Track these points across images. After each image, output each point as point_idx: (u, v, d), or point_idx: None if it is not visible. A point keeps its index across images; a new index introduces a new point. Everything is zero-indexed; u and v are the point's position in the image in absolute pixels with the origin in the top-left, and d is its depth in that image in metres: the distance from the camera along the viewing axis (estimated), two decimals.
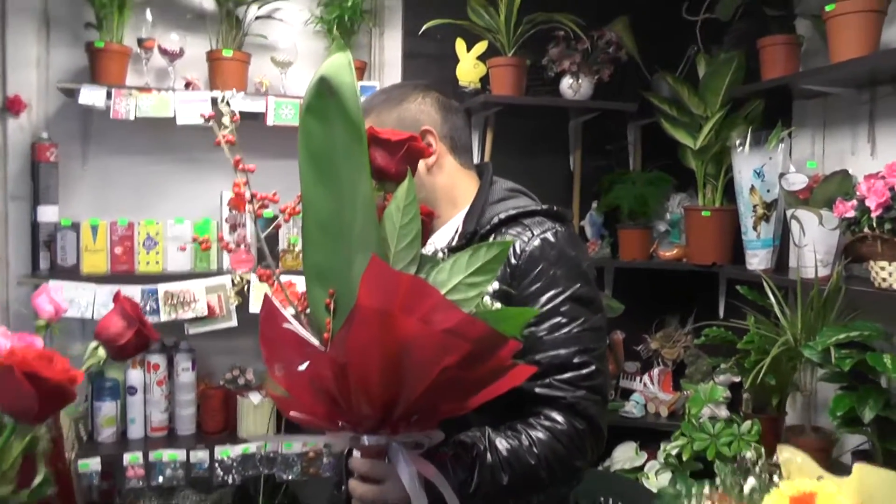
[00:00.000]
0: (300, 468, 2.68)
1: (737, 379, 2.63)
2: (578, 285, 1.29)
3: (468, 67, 2.85)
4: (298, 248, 2.61)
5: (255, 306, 2.50)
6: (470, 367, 0.99)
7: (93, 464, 2.46)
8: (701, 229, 2.76)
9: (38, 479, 1.00)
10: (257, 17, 2.73)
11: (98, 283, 2.47)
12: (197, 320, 2.55)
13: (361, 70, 2.80)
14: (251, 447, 2.62)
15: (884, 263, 1.96)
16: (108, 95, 2.48)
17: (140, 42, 2.59)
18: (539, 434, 1.21)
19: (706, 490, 1.30)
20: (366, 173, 1.03)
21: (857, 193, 1.99)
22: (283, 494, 2.73)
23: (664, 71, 2.87)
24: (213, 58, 2.65)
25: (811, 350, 2.01)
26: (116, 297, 1.17)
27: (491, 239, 1.33)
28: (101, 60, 2.52)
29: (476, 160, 2.91)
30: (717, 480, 1.35)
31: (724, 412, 2.63)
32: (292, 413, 1.08)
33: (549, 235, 1.31)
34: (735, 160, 2.55)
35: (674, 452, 2.44)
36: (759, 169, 2.45)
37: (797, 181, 2.27)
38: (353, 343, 0.97)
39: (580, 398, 1.24)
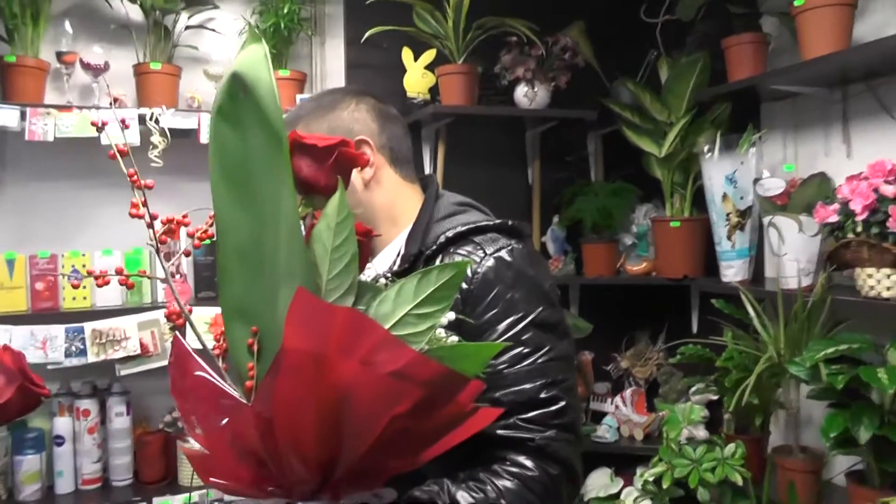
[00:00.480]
0: None
1: (714, 397, 2.51)
2: (541, 308, 1.14)
3: (416, 77, 2.72)
4: None
5: (193, 340, 2.28)
6: (423, 415, 0.84)
7: None
8: (670, 241, 2.65)
9: None
10: (188, 27, 2.56)
11: (15, 325, 2.24)
12: (129, 359, 2.33)
13: (301, 82, 2.63)
14: (195, 496, 2.41)
15: (871, 270, 1.84)
16: (23, 116, 2.26)
17: (59, 56, 2.40)
18: (507, 483, 1.06)
19: None
20: (289, 187, 0.86)
21: (839, 196, 1.88)
22: None
23: (624, 77, 2.77)
24: (140, 72, 2.47)
25: (798, 367, 1.90)
26: None
27: (438, 261, 1.18)
28: (12, 76, 2.31)
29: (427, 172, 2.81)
30: None
31: (702, 432, 2.50)
32: (212, 479, 0.91)
33: (503, 254, 1.17)
34: (704, 167, 2.44)
35: (651, 479, 2.30)
36: (730, 175, 2.34)
37: (773, 186, 2.17)
38: (280, 394, 0.81)
39: (550, 439, 1.09)
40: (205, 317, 2.05)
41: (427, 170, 2.76)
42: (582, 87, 2.80)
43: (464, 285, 1.13)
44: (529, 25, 2.61)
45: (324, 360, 0.78)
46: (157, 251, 0.88)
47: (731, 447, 2.17)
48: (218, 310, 0.92)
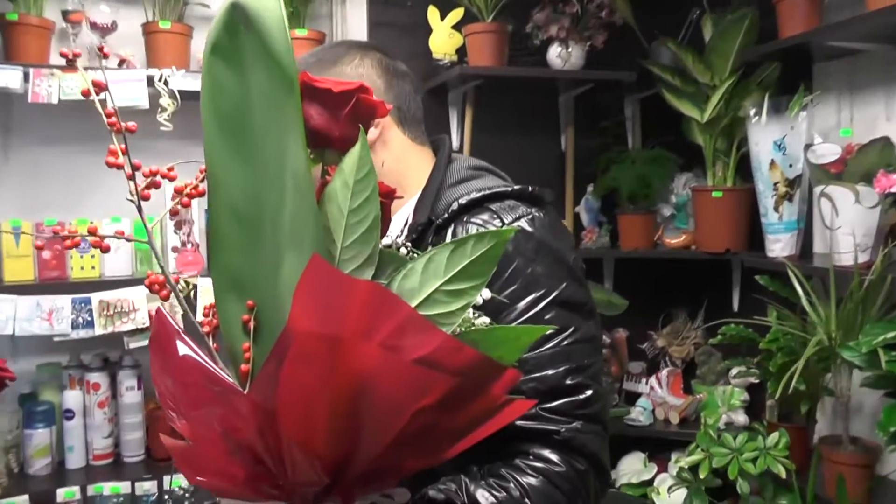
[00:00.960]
0: None
1: (755, 380, 2.38)
2: (565, 285, 1.05)
3: (443, 37, 2.62)
4: None
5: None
6: (452, 408, 0.72)
7: (20, 502, 2.13)
8: (711, 212, 2.51)
9: None
10: None
11: (21, 294, 2.16)
12: (138, 332, 2.23)
13: (320, 42, 2.50)
14: None
15: None
16: (26, 77, 2.16)
17: (65, 15, 2.30)
18: (531, 480, 0.97)
19: None
20: (298, 138, 0.73)
21: None
22: None
23: (664, 36, 2.62)
24: (149, 31, 2.36)
25: (852, 352, 1.75)
26: None
27: (450, 231, 1.09)
28: (15, 36, 2.21)
29: (456, 142, 2.68)
30: None
31: (741, 417, 2.39)
32: (199, 478, 0.79)
33: (524, 223, 1.07)
34: (750, 132, 2.28)
35: (687, 467, 2.18)
36: (779, 141, 2.19)
37: (827, 153, 2.01)
38: (286, 384, 0.69)
39: (576, 431, 1.00)
40: None
41: (454, 136, 2.66)
42: (619, 48, 2.68)
43: None
44: None
45: (339, 344, 0.66)
46: (140, 209, 0.76)
47: (774, 436, 2.05)
48: None
